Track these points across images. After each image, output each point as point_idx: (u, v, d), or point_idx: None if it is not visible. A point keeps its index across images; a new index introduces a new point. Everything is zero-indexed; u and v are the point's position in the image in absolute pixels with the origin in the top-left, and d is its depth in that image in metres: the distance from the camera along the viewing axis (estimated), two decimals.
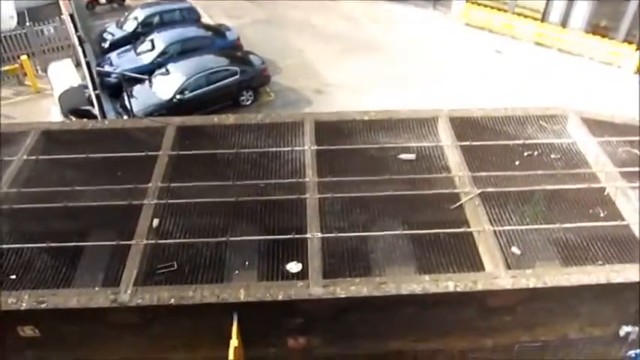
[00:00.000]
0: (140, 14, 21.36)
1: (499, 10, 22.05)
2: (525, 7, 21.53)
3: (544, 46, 21.09)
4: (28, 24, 19.27)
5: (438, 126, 9.17)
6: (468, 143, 8.69)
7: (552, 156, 8.68)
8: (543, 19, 21.19)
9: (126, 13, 21.95)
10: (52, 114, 16.32)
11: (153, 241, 7.30)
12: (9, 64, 18.40)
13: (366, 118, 9.23)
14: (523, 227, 7.44)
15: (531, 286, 6.69)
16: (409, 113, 9.44)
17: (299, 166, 8.40)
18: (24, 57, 18.01)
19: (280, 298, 6.57)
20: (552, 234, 7.51)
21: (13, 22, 19.26)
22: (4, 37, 18.50)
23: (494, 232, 7.29)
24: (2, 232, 7.63)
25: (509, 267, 6.88)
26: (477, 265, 7.06)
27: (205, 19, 23.01)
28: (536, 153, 8.71)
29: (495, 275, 6.80)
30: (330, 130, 9.04)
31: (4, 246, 7.40)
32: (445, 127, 9.04)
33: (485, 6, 22.30)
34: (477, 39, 22.15)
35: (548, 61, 20.56)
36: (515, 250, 7.19)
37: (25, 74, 18.25)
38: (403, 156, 8.66)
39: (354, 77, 19.81)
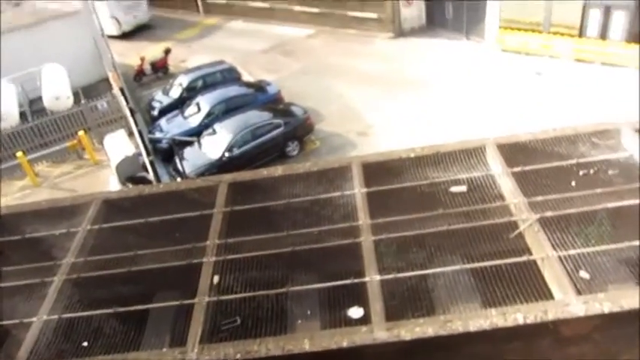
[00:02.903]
0: (184, 80, 22.39)
1: (534, 31, 21.87)
2: (561, 24, 21.30)
3: (585, 61, 20.70)
4: (83, 101, 20.50)
5: (487, 154, 9.05)
6: (519, 169, 8.51)
7: (610, 172, 8.38)
8: (581, 34, 20.86)
9: (170, 81, 23.03)
10: (110, 183, 17.10)
11: (215, 298, 7.41)
12: (68, 140, 19.54)
13: (412, 155, 9.22)
14: (589, 249, 7.14)
15: (607, 311, 6.37)
16: (455, 145, 9.36)
17: (351, 210, 8.42)
18: (81, 132, 19.09)
19: (345, 345, 6.49)
20: (622, 253, 7.17)
21: (70, 102, 20.54)
22: (64, 116, 19.73)
23: (559, 257, 7.03)
24: (72, 300, 7.94)
25: (579, 292, 6.58)
26: (545, 294, 6.79)
27: (245, 77, 23.83)
28: (592, 171, 8.43)
29: (566, 302, 6.51)
30: (377, 170, 9.07)
31: (75, 314, 7.67)
32: (494, 155, 8.91)
33: (519, 29, 22.18)
34: (515, 63, 21.99)
35: (591, 76, 20.14)
36: (583, 274, 6.89)
37: (83, 148, 19.30)
38: (454, 189, 8.56)
39: (397, 116, 19.94)
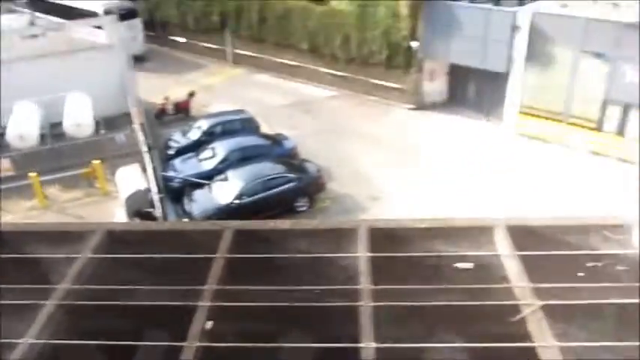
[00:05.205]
0: (204, 124, 22.80)
1: (553, 120, 22.25)
2: (580, 116, 21.67)
3: (601, 155, 20.94)
4: (102, 132, 20.89)
5: (495, 235, 9.01)
6: (527, 253, 8.44)
7: (618, 267, 8.29)
8: (599, 129, 21.19)
9: (190, 123, 23.44)
10: (116, 215, 17.15)
11: (205, 344, 7.25)
12: (83, 167, 19.78)
13: (421, 225, 9.19)
14: (591, 344, 6.97)
15: None
16: (466, 221, 9.34)
17: (353, 273, 8.33)
18: (96, 161, 19.33)
19: None
20: (624, 352, 6.98)
21: (90, 130, 20.93)
22: (82, 143, 20.06)
23: (560, 348, 6.86)
24: (61, 327, 7.80)
25: None
26: None
27: (264, 129, 24.22)
28: (600, 264, 8.35)
29: None
30: (385, 237, 9.02)
31: (61, 341, 7.51)
32: (503, 236, 8.86)
33: (538, 116, 22.58)
34: (530, 148, 22.25)
35: (605, 170, 20.30)
36: None
37: (95, 177, 19.49)
38: (460, 265, 8.48)
39: (408, 186, 20.02)
